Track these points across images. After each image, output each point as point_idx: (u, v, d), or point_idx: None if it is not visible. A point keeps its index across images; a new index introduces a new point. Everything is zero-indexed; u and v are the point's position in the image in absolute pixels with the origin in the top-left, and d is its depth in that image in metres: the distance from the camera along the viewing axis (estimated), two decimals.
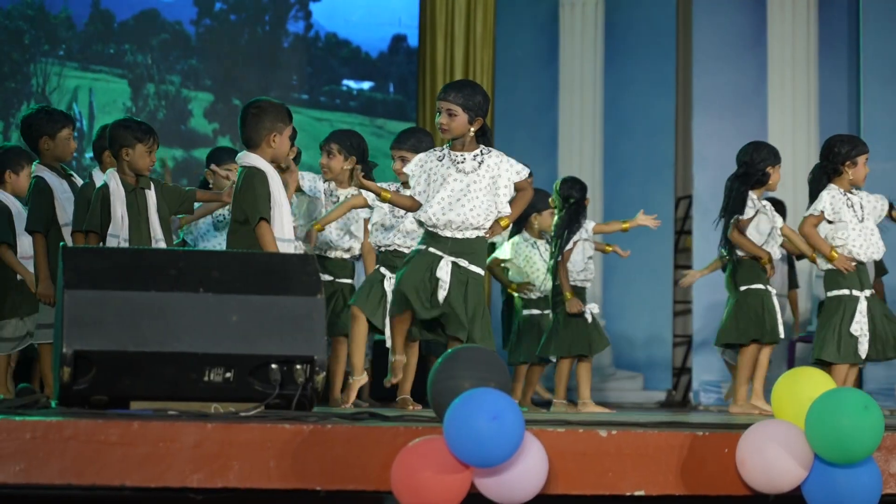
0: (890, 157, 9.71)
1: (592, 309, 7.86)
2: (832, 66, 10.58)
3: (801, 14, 10.54)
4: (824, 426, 4.25)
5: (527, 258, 8.18)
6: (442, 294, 5.81)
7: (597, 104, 11.44)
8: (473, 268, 5.85)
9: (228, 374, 4.42)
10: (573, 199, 7.85)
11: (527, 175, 5.91)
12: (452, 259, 5.82)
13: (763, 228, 7.42)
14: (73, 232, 6.34)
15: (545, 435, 4.24)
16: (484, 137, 5.93)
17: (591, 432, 4.35)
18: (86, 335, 4.31)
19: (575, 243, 7.81)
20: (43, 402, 4.48)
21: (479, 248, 5.89)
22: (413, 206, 5.94)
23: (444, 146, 5.98)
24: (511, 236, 8.29)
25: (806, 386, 4.42)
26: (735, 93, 10.77)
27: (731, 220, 7.35)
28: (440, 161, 5.90)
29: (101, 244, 6.13)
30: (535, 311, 8.16)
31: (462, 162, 5.86)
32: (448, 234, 5.83)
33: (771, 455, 4.32)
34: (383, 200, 6.09)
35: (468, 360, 4.33)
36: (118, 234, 6.18)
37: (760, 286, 7.34)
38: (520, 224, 8.14)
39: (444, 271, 5.80)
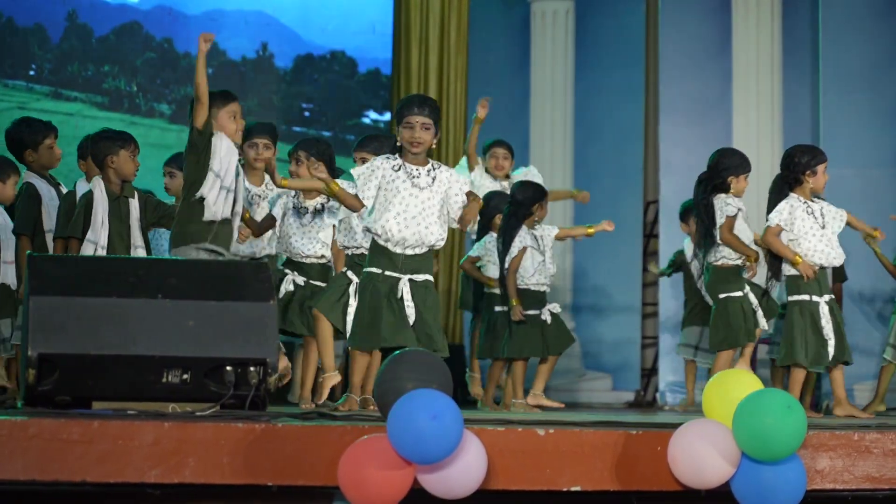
0: (848, 164, 9.87)
1: (553, 309, 7.97)
2: (795, 75, 10.72)
3: (765, 23, 10.67)
4: (750, 425, 4.46)
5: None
6: (411, 316, 5.95)
7: (567, 110, 11.57)
8: (425, 277, 6.04)
9: (185, 376, 4.64)
10: (520, 204, 7.96)
11: None
12: (408, 277, 5.98)
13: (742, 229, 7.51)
14: (54, 238, 6.55)
15: (485, 433, 4.45)
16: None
17: (529, 431, 4.55)
18: (50, 339, 4.53)
19: (524, 249, 7.87)
20: (9, 402, 4.69)
21: (427, 260, 6.07)
22: (356, 205, 6.04)
23: (396, 155, 6.09)
24: (479, 237, 8.41)
25: (734, 387, 4.63)
26: (701, 100, 10.91)
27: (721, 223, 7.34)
28: (395, 171, 6.03)
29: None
30: (505, 308, 8.09)
31: (417, 177, 6.02)
32: (399, 250, 5.99)
33: (700, 453, 4.52)
34: (331, 193, 6.15)
35: (412, 363, 4.54)
36: (96, 240, 6.39)
37: (738, 293, 7.37)
38: (487, 226, 8.28)
39: (405, 293, 5.95)
